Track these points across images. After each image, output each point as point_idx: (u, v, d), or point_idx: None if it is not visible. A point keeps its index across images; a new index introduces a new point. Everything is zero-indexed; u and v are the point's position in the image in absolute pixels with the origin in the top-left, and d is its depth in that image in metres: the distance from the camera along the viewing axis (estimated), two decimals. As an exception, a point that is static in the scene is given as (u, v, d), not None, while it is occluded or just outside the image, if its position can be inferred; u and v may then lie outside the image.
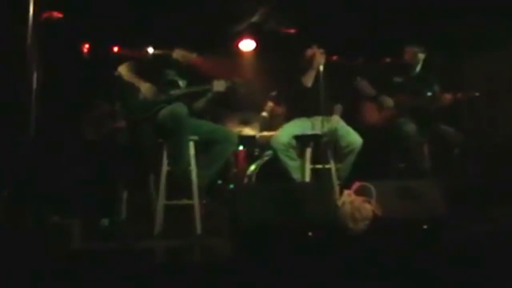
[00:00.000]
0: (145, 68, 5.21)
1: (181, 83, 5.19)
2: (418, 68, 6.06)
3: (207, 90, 5.18)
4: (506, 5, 6.35)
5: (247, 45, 8.18)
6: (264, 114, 7.02)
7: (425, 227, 4.27)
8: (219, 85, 5.12)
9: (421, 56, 6.01)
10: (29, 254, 3.59)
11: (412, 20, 7.01)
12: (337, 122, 5.60)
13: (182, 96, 5.09)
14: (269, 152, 6.14)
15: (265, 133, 6.63)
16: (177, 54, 5.32)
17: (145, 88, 4.96)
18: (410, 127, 5.72)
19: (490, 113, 7.53)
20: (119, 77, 5.09)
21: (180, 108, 4.82)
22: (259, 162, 6.31)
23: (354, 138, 5.48)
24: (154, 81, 5.03)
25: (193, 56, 5.35)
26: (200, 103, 5.27)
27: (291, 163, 5.40)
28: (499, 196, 5.41)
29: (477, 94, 5.84)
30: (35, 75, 4.44)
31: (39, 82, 4.45)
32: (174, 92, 5.07)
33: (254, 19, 7.66)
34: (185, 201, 4.88)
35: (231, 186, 6.49)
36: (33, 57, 4.47)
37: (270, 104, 7.03)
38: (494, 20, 6.78)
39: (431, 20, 6.95)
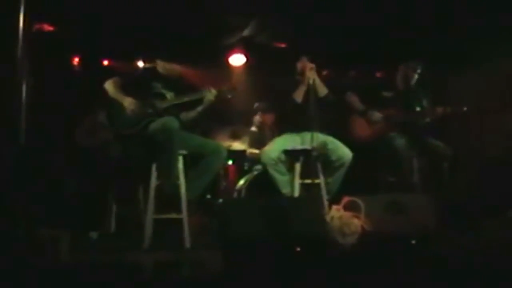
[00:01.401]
0: (133, 82, 5.22)
1: (168, 95, 5.18)
2: (412, 83, 6.07)
3: (197, 100, 5.18)
4: (495, 19, 6.40)
5: (237, 59, 8.19)
6: (253, 128, 7.04)
7: (413, 242, 4.27)
8: (208, 94, 5.13)
9: (417, 72, 6.04)
10: (17, 265, 3.57)
11: (402, 35, 7.05)
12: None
13: (170, 107, 5.09)
14: (259, 167, 6.14)
15: (254, 150, 6.63)
16: (160, 67, 5.31)
17: (127, 103, 4.96)
18: (400, 141, 5.74)
19: (479, 127, 7.55)
20: (105, 92, 5.09)
21: (172, 122, 4.82)
22: (249, 176, 6.31)
23: (344, 152, 5.49)
24: (142, 95, 5.03)
25: (176, 68, 5.33)
26: (190, 114, 5.26)
27: (281, 178, 5.41)
28: (488, 210, 5.42)
29: (465, 108, 5.85)
30: (24, 87, 4.44)
31: (29, 94, 4.45)
32: (161, 104, 5.07)
33: (245, 32, 7.67)
34: (174, 215, 4.87)
35: (221, 200, 6.48)
36: (23, 69, 4.47)
37: (257, 117, 7.05)
38: (483, 35, 6.82)
39: (422, 34, 6.99)
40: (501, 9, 6.18)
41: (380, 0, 6.39)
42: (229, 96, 5.26)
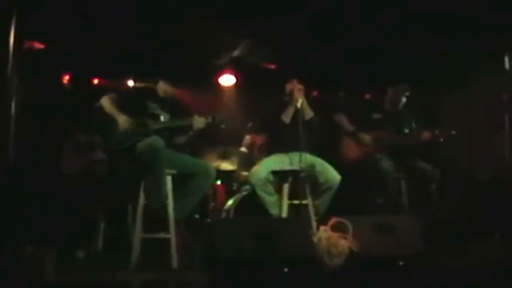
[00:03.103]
0: (127, 100, 5.21)
1: (163, 117, 5.18)
2: (400, 106, 6.10)
3: (187, 127, 5.18)
4: (484, 42, 6.47)
5: (227, 80, 8.23)
6: (243, 149, 7.05)
7: (401, 263, 4.27)
8: (199, 122, 5.14)
9: (405, 95, 6.07)
10: (3, 285, 3.55)
11: (391, 57, 7.10)
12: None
13: (162, 130, 5.09)
14: (247, 187, 6.13)
15: (243, 173, 6.63)
16: (160, 88, 5.32)
17: (122, 120, 4.95)
18: (386, 163, 5.74)
19: (467, 149, 7.59)
20: (100, 108, 5.08)
21: (158, 141, 4.81)
22: (237, 196, 6.30)
23: (332, 175, 5.49)
24: (136, 114, 5.03)
25: (174, 90, 5.35)
26: (181, 139, 5.27)
27: (269, 198, 5.40)
28: (476, 232, 5.44)
29: (453, 132, 5.88)
30: (13, 104, 4.44)
31: (18, 111, 4.44)
32: (153, 125, 5.07)
33: (235, 53, 7.71)
34: (161, 235, 4.86)
35: (209, 220, 6.46)
36: (12, 87, 4.47)
37: (247, 137, 7.06)
38: (472, 57, 6.88)
39: (411, 57, 7.03)
40: (491, 32, 6.25)
41: (369, 23, 6.44)
42: (222, 126, 5.29)
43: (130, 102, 5.20)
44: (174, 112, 5.25)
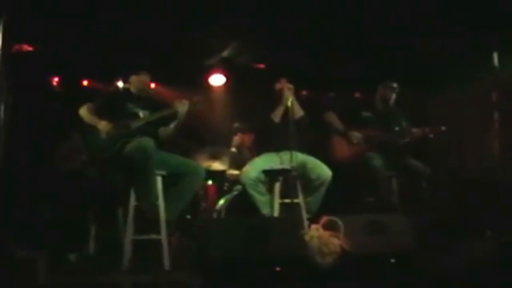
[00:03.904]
0: (107, 104, 5.18)
1: (142, 114, 5.15)
2: (391, 104, 6.11)
3: (171, 114, 5.15)
4: (474, 41, 6.49)
5: (217, 79, 8.22)
6: (233, 149, 7.04)
7: (393, 261, 4.28)
8: (181, 106, 5.11)
9: (395, 92, 6.08)
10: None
11: (381, 56, 7.11)
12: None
13: (144, 126, 5.06)
14: (238, 187, 6.13)
15: (234, 172, 6.63)
16: (133, 84, 5.29)
17: (102, 126, 4.92)
18: (377, 161, 5.75)
19: (458, 147, 7.61)
20: (81, 118, 5.05)
21: (148, 142, 4.79)
22: (228, 196, 6.30)
23: (323, 171, 5.50)
24: (116, 116, 5.00)
25: (146, 80, 5.31)
26: (167, 130, 5.23)
27: (260, 198, 5.40)
28: (467, 229, 5.46)
29: (443, 128, 5.90)
30: (2, 107, 4.42)
31: (7, 114, 4.43)
32: (134, 124, 5.05)
33: (225, 53, 7.71)
34: (153, 236, 4.85)
35: (200, 220, 6.45)
36: (1, 89, 4.46)
37: (236, 138, 7.05)
38: (462, 56, 6.90)
39: (401, 55, 7.05)
40: (480, 31, 6.27)
41: (359, 22, 6.46)
42: (201, 107, 5.27)
43: (111, 105, 5.17)
44: (150, 107, 5.22)
